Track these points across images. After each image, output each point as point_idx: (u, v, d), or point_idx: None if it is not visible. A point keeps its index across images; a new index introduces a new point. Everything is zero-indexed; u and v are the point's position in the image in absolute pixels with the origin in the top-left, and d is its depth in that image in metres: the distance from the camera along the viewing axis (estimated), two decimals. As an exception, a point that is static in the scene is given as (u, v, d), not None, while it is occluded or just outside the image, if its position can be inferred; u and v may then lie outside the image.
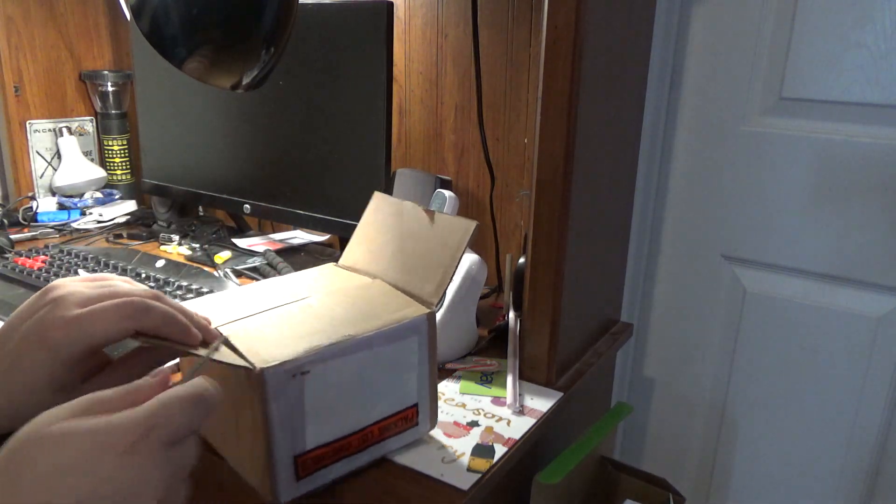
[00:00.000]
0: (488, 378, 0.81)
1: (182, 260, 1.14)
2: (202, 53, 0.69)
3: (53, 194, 1.44)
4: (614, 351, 0.95)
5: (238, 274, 1.06)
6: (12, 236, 1.22)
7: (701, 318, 1.08)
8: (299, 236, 1.25)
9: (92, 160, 1.49)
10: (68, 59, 1.43)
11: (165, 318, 0.48)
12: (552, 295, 0.76)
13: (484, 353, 0.87)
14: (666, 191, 1.06)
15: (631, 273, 1.09)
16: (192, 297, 0.91)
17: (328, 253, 1.18)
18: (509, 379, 0.78)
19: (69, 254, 1.11)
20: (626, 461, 0.97)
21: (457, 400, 0.76)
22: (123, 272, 1.02)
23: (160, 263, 1.08)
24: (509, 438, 0.68)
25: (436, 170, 1.15)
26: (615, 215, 0.92)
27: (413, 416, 0.64)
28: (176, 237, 1.25)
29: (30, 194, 1.41)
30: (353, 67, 0.97)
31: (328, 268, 0.71)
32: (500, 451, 0.66)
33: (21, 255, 1.10)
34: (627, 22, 0.83)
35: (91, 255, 1.09)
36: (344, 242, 0.74)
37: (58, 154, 1.44)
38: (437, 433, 0.68)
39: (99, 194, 1.43)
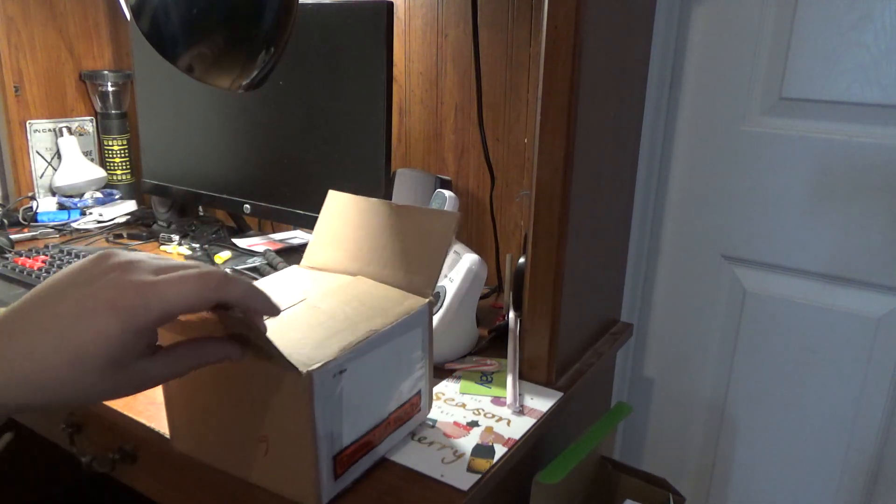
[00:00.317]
0: (488, 378, 0.81)
1: (182, 260, 1.13)
2: (202, 53, 0.69)
3: (53, 194, 1.44)
4: (614, 351, 0.95)
5: (238, 274, 1.06)
6: (12, 236, 1.22)
7: (701, 318, 1.08)
8: (299, 236, 1.25)
9: (92, 160, 1.49)
10: (68, 59, 1.43)
11: (249, 289, 0.45)
12: (552, 295, 0.76)
13: (484, 353, 0.87)
14: (666, 191, 1.06)
15: (631, 273, 1.09)
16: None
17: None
18: (509, 379, 0.78)
19: (69, 254, 1.10)
20: (626, 461, 0.97)
21: (457, 400, 0.76)
22: (123, 272, 1.02)
23: (160, 263, 1.08)
24: (509, 438, 0.68)
25: (436, 170, 1.15)
26: (615, 215, 0.92)
27: (418, 403, 0.67)
28: (176, 237, 1.25)
29: (30, 194, 1.41)
30: (353, 67, 0.97)
31: (296, 269, 0.71)
32: (500, 451, 0.66)
33: (21, 255, 1.10)
34: (627, 22, 0.83)
35: (91, 255, 1.09)
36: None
37: (58, 154, 1.44)
38: (437, 433, 0.69)
39: (99, 194, 1.43)
